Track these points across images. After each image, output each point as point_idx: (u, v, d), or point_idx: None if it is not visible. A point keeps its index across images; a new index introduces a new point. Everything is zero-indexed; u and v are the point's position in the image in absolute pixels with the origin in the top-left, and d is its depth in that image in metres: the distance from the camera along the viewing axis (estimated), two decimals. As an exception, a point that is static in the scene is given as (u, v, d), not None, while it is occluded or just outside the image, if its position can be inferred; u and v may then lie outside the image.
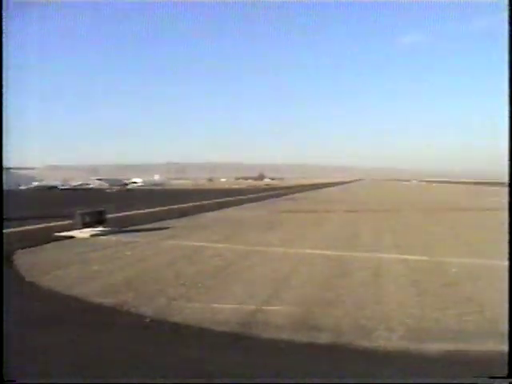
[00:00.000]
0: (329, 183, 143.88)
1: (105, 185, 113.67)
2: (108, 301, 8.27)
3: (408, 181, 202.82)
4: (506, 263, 11.45)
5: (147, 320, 7.22)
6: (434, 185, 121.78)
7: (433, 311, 7.59)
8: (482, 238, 16.45)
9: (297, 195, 59.38)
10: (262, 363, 5.63)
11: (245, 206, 36.46)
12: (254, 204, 39.21)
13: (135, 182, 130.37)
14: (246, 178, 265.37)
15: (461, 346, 6.07)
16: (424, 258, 12.30)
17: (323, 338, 6.32)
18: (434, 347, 6.03)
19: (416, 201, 43.89)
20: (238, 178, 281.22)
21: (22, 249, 13.92)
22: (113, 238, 16.66)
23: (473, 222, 22.54)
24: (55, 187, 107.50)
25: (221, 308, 7.78)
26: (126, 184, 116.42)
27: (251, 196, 53.16)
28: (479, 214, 27.26)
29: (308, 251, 13.40)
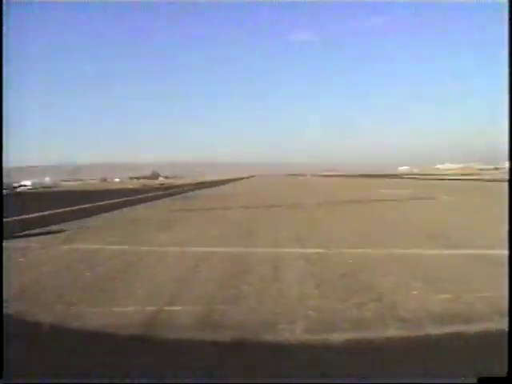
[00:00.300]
0: (225, 180, 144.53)
1: None
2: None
3: (304, 175, 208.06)
4: (401, 251, 12.05)
5: (45, 328, 6.91)
6: (331, 179, 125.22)
7: (333, 302, 7.79)
8: (375, 229, 17.14)
9: (192, 193, 59.16)
10: (167, 364, 5.53)
11: (140, 205, 35.78)
12: (149, 203, 38.63)
13: (24, 185, 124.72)
14: (140, 178, 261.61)
15: (362, 334, 6.27)
16: (321, 250, 12.61)
17: (228, 335, 6.29)
18: (336, 337, 6.16)
19: (309, 194, 44.81)
20: (131, 178, 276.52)
21: None
22: (3, 244, 15.82)
23: (365, 214, 23.40)
24: None
25: (122, 311, 7.55)
26: (15, 187, 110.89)
27: (146, 195, 52.36)
28: (370, 206, 28.35)
29: (206, 249, 13.32)
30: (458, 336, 6.17)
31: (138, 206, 34.89)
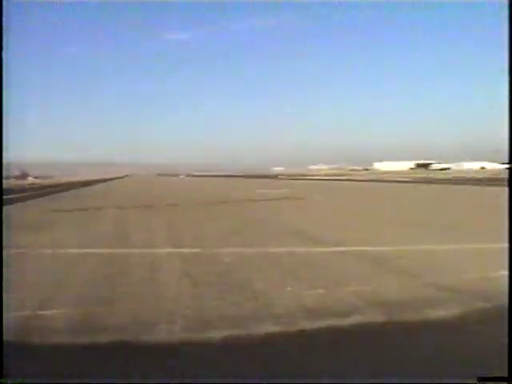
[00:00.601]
0: (99, 180, 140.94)
1: None
2: None
3: (177, 175, 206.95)
4: (275, 250, 12.27)
5: None
6: (206, 179, 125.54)
7: (210, 300, 7.86)
8: (248, 228, 17.43)
9: (65, 193, 57.08)
10: (40, 369, 5.31)
11: (9, 206, 33.91)
12: (20, 204, 36.74)
13: None
14: (8, 178, 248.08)
15: (240, 331, 6.37)
16: (197, 250, 12.65)
17: (106, 338, 6.15)
18: (214, 335, 6.22)
19: (185, 195, 44.63)
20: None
21: None
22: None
23: (240, 213, 23.72)
24: None
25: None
26: None
27: (17, 196, 49.85)
28: (244, 205, 28.80)
29: (81, 250, 12.92)
30: (332, 329, 6.43)
31: (9, 207, 33.06)
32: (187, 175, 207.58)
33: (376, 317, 6.92)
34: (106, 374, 5.04)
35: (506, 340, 4.65)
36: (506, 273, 9.18)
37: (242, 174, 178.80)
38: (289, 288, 8.50)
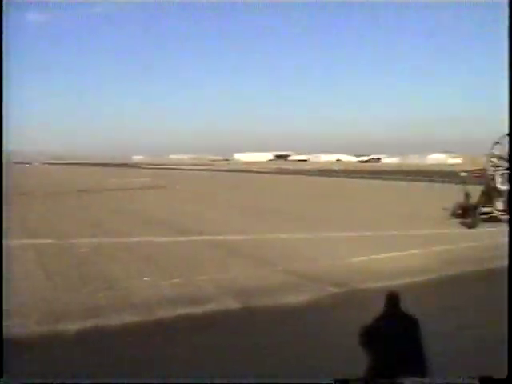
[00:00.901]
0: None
1: None
2: None
3: (29, 163, 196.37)
4: (134, 239, 12.17)
5: None
6: (62, 167, 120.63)
7: (65, 292, 7.71)
8: (106, 218, 17.20)
9: None
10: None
11: None
12: None
13: None
14: None
15: (97, 321, 6.35)
16: (52, 240, 12.27)
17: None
18: (68, 327, 6.14)
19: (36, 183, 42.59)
20: None
21: None
22: None
23: (97, 203, 23.23)
24: None
25: None
26: None
27: None
28: (103, 196, 28.21)
29: None
30: (190, 318, 6.57)
31: None
32: (41, 163, 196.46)
33: (231, 304, 7.15)
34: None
35: (359, 323, 4.93)
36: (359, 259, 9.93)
37: (100, 163, 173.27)
38: (146, 278, 8.51)
